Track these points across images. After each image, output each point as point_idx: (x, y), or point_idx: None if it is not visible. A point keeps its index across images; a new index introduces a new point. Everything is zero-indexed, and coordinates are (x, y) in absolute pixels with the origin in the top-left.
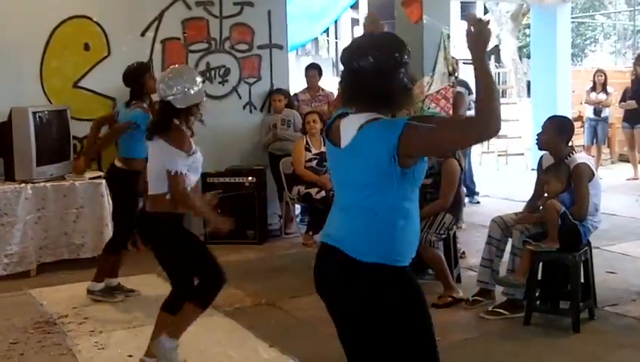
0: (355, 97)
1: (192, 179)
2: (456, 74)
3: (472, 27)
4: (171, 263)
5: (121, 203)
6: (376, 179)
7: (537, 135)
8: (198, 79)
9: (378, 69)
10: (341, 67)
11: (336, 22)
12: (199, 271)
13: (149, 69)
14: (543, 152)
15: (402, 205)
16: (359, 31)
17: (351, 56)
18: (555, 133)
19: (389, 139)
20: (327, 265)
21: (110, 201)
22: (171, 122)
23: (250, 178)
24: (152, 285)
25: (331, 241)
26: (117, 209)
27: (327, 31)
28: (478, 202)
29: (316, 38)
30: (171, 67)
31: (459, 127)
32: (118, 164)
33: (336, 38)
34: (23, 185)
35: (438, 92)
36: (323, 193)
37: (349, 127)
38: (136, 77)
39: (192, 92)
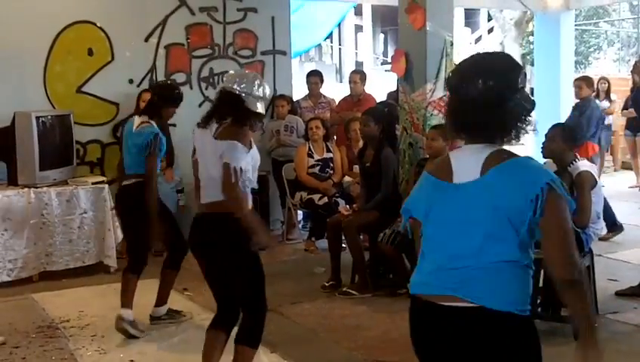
0: (466, 126)
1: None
2: None
3: None
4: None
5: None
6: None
7: (543, 143)
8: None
9: (489, 96)
10: (345, 74)
11: (339, 27)
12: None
13: (178, 104)
14: (546, 160)
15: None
16: (362, 37)
17: (459, 81)
18: (561, 140)
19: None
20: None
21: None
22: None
23: None
24: (152, 290)
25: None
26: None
27: (330, 37)
28: None
29: (320, 45)
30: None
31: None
32: (131, 181)
33: (339, 45)
34: (25, 189)
35: (441, 98)
36: (325, 199)
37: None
38: (165, 101)
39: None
